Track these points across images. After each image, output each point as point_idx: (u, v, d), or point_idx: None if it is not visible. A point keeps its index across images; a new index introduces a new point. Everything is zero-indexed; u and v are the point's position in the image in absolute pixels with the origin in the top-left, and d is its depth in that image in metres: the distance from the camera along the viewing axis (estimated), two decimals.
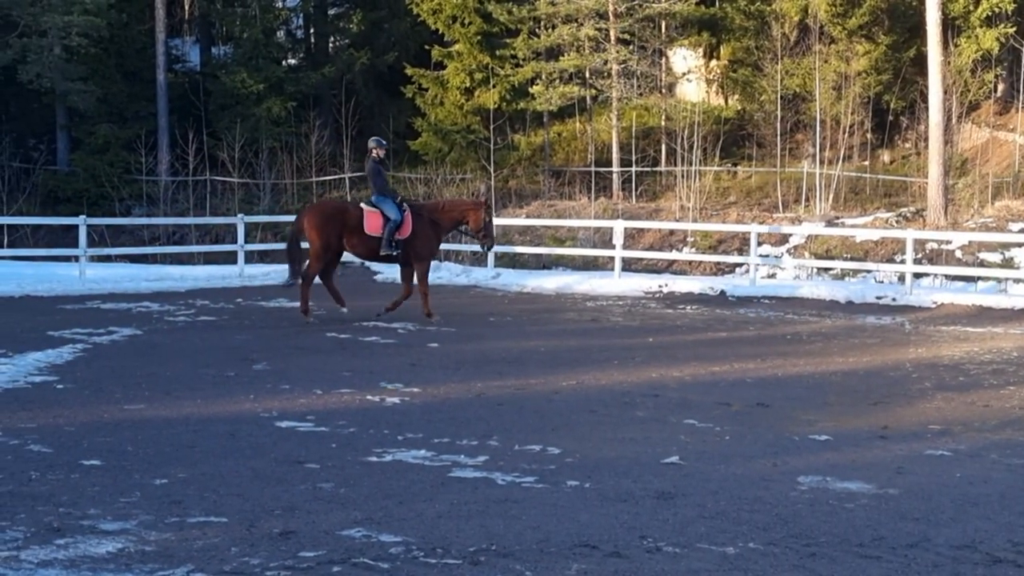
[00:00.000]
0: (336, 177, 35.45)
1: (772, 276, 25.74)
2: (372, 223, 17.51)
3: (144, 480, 7.75)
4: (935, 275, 23.91)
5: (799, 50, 36.29)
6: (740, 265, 26.25)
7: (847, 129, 34.29)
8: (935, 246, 25.90)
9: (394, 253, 17.76)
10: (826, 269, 25.72)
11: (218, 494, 7.42)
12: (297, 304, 17.50)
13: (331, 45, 41.49)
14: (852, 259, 26.26)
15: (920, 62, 32.84)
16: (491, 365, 13.32)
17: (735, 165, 36.86)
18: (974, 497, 7.61)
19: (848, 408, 11.07)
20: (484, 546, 6.39)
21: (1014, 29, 35.62)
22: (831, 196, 32.02)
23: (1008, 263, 24.93)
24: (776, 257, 26.66)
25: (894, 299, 21.16)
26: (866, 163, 35.85)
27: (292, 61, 40.38)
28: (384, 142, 18.79)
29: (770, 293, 22.25)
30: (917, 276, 23.16)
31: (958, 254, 25.58)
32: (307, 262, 17.61)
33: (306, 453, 8.61)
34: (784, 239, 27.90)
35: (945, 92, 30.43)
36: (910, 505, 7.38)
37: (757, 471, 8.27)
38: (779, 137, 34.90)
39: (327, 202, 20.41)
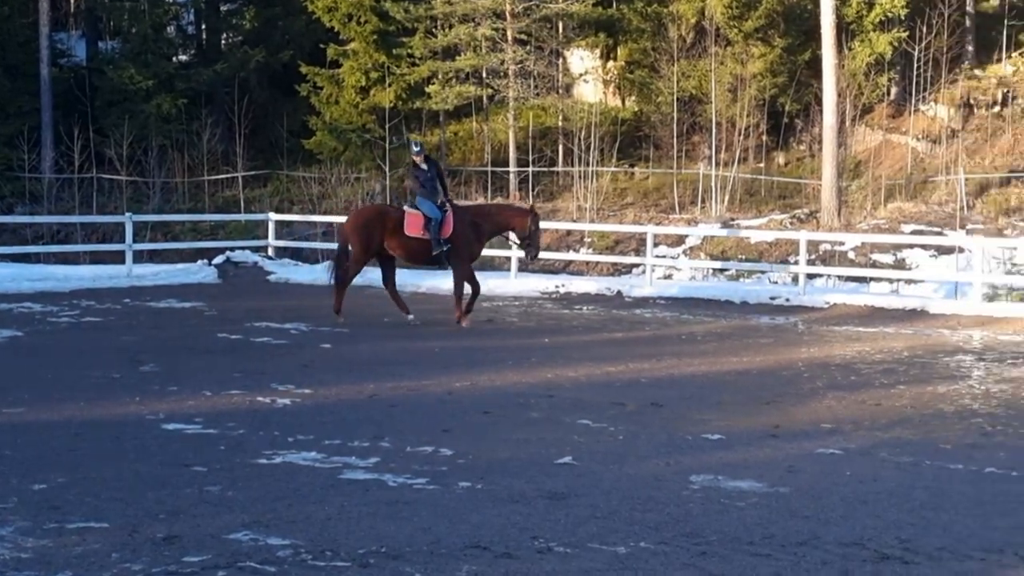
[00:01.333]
0: (229, 176, 35.00)
1: (668, 277, 26.01)
2: (412, 224, 17.31)
3: (22, 485, 7.56)
4: (828, 276, 24.36)
5: (695, 52, 36.72)
6: (637, 266, 26.46)
7: (743, 131, 34.77)
8: (829, 247, 26.39)
9: (445, 249, 17.42)
10: (722, 270, 26.03)
11: (99, 499, 7.26)
12: (188, 305, 17.22)
13: (224, 42, 40.93)
14: (747, 260, 26.66)
15: (815, 65, 33.43)
16: (385, 366, 13.24)
17: (632, 166, 37.15)
18: (863, 495, 7.74)
19: (741, 408, 11.20)
20: (374, 548, 6.35)
21: (906, 34, 36.44)
22: (727, 198, 32.45)
23: (900, 264, 25.52)
24: (672, 258, 26.95)
25: (788, 300, 21.48)
26: (761, 165, 36.38)
27: (183, 57, 39.76)
28: (419, 146, 18.43)
29: (666, 294, 22.46)
30: (811, 277, 23.54)
31: (851, 255, 26.09)
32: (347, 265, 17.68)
33: (193, 456, 8.46)
34: (680, 240, 28.20)
35: (839, 95, 31.01)
36: (800, 503, 7.48)
37: (650, 471, 8.33)
38: (676, 139, 35.27)
39: (367, 206, 20.03)
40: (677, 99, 35.68)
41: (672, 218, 30.93)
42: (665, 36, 36.52)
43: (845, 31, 35.18)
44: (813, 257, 25.09)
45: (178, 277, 24.00)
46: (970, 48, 41.34)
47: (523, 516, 7.04)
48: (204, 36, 41.01)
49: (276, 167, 36.49)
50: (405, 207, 17.95)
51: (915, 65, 36.99)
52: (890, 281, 23.72)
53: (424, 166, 17.78)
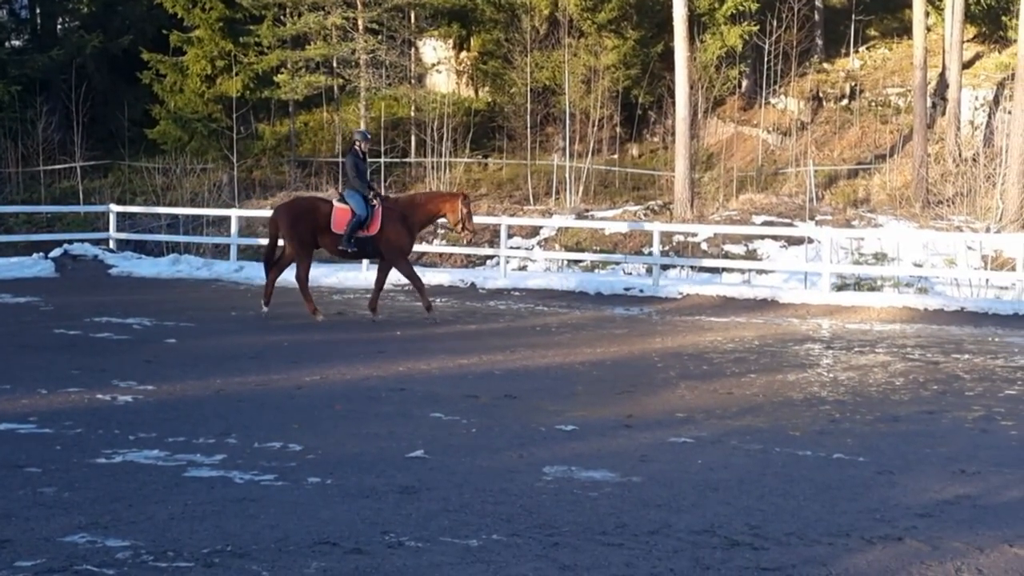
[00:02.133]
0: (66, 166, 34.04)
1: (523, 268, 26.15)
2: (340, 221, 17.10)
3: None
4: (682, 267, 24.77)
5: (549, 43, 36.97)
6: (491, 257, 26.52)
7: (596, 123, 35.11)
8: (682, 239, 26.82)
9: (349, 250, 17.38)
10: (576, 261, 26.28)
11: None
12: (23, 300, 16.66)
13: (60, 26, 39.80)
14: (601, 251, 26.93)
15: (667, 57, 33.93)
16: (232, 361, 13.02)
17: (486, 157, 37.26)
18: (714, 483, 7.86)
19: (595, 398, 11.30)
20: (219, 547, 6.22)
21: (757, 27, 37.24)
22: (581, 189, 32.75)
23: (751, 255, 26.05)
24: (527, 249, 27.09)
25: (641, 291, 21.78)
26: (615, 157, 36.80)
27: (16, 43, 38.51)
28: (369, 135, 18.28)
29: (520, 285, 22.58)
30: (664, 268, 23.91)
31: (704, 246, 26.56)
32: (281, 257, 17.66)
33: (26, 456, 8.18)
34: (535, 231, 28.36)
35: (691, 87, 31.52)
36: (652, 492, 7.57)
37: (503, 463, 8.34)
38: (529, 130, 35.48)
39: (298, 200, 19.59)
40: (531, 90, 35.90)
41: (526, 209, 31.09)
42: (518, 27, 36.69)
43: (697, 24, 35.82)
44: (667, 248, 25.49)
45: (12, 271, 23.29)
46: (819, 42, 42.47)
47: (373, 511, 6.98)
48: (39, 20, 39.74)
49: (117, 157, 35.64)
50: (335, 201, 17.65)
51: (765, 58, 37.82)
52: (742, 272, 24.22)
53: (363, 155, 17.76)
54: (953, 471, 8.21)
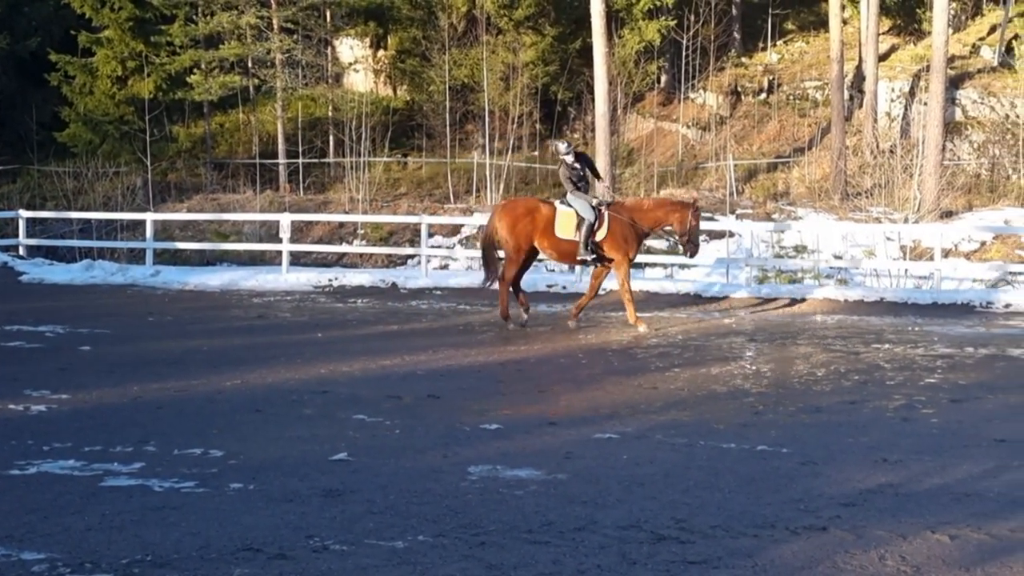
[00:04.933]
0: None
1: (445, 267, 26.13)
2: (564, 225, 16.67)
3: None
4: None
5: (467, 41, 37.01)
6: (412, 257, 26.47)
7: (516, 120, 35.20)
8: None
9: (589, 259, 16.97)
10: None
11: None
12: None
13: None
14: None
15: (586, 53, 34.13)
16: (149, 367, 12.85)
17: (405, 156, 37.21)
18: (640, 477, 7.91)
19: (519, 396, 11.32)
20: (139, 557, 6.14)
21: (675, 22, 37.55)
22: (502, 187, 32.80)
23: (674, 250, 26.20)
24: (449, 248, 27.06)
25: (564, 287, 21.85)
26: (536, 154, 36.91)
27: None
28: (565, 148, 17.40)
29: (443, 284, 22.55)
30: (585, 264, 23.94)
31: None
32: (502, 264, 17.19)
33: None
34: (456, 230, 28.34)
35: (611, 83, 31.70)
36: (578, 489, 7.60)
37: (427, 463, 8.32)
38: (449, 128, 35.48)
39: (516, 201, 18.93)
40: (449, 88, 35.91)
41: (447, 208, 31.08)
42: (436, 25, 36.70)
43: (615, 19, 36.04)
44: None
45: None
46: (737, 37, 42.93)
47: (297, 515, 6.94)
48: None
49: (26, 162, 35.08)
50: (557, 204, 17.19)
51: (684, 53, 38.15)
52: (664, 266, 24.39)
53: (575, 163, 17.11)
54: (875, 460, 8.33)
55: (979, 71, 38.10)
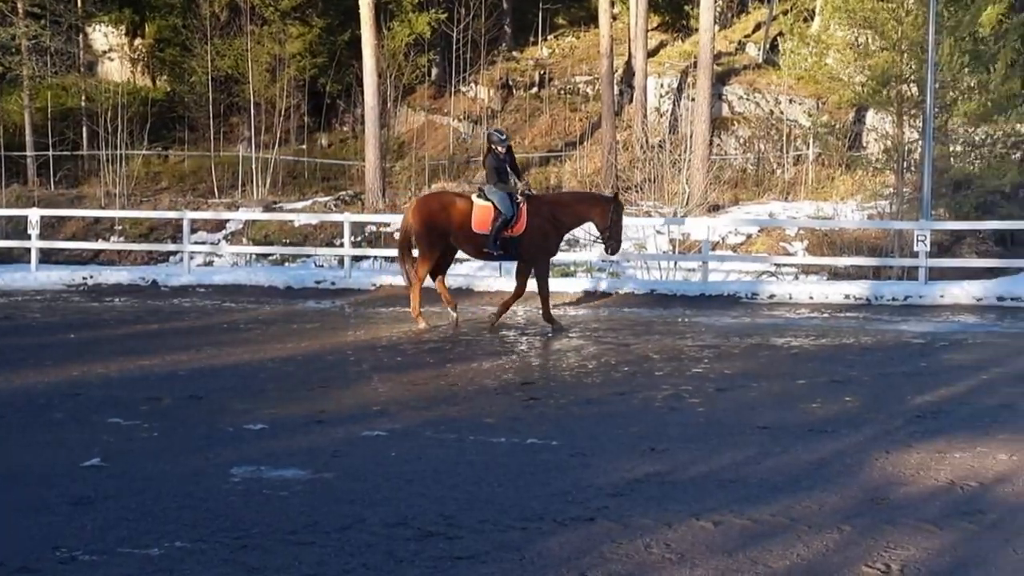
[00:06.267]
0: None
1: (209, 264, 25.62)
2: (481, 220, 15.93)
3: None
4: (375, 258, 24.79)
5: (230, 30, 36.34)
6: (174, 253, 25.86)
7: (283, 112, 34.79)
8: (374, 229, 26.86)
9: (495, 253, 16.26)
10: (265, 255, 25.92)
11: None
12: None
13: None
14: (291, 244, 26.69)
15: (355, 45, 33.94)
16: None
17: (166, 149, 36.33)
18: (408, 474, 7.88)
19: (285, 395, 11.14)
20: None
21: (445, 15, 37.70)
22: (269, 181, 32.36)
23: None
24: (213, 244, 26.54)
25: (333, 283, 21.73)
26: (304, 147, 36.56)
27: None
28: (505, 135, 16.92)
29: (206, 281, 22.11)
30: (357, 259, 23.86)
31: (397, 236, 26.65)
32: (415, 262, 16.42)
33: None
34: (221, 225, 27.80)
35: (380, 76, 31.63)
36: (345, 488, 7.52)
37: (187, 466, 8.10)
38: (212, 120, 34.78)
39: (432, 195, 18.14)
40: (212, 79, 35.18)
41: (211, 203, 30.47)
42: (197, 13, 35.91)
43: (384, 11, 35.96)
44: (359, 239, 25.47)
45: None
46: (508, 30, 43.39)
47: (45, 525, 6.65)
48: None
49: None
50: (474, 198, 16.56)
51: (455, 47, 38.33)
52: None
53: (506, 155, 16.61)
54: (643, 450, 8.51)
55: (745, 68, 39.51)
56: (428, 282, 16.79)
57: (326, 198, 31.03)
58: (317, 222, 27.26)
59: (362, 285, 21.53)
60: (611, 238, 16.44)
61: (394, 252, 24.71)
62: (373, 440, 9.03)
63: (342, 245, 23.87)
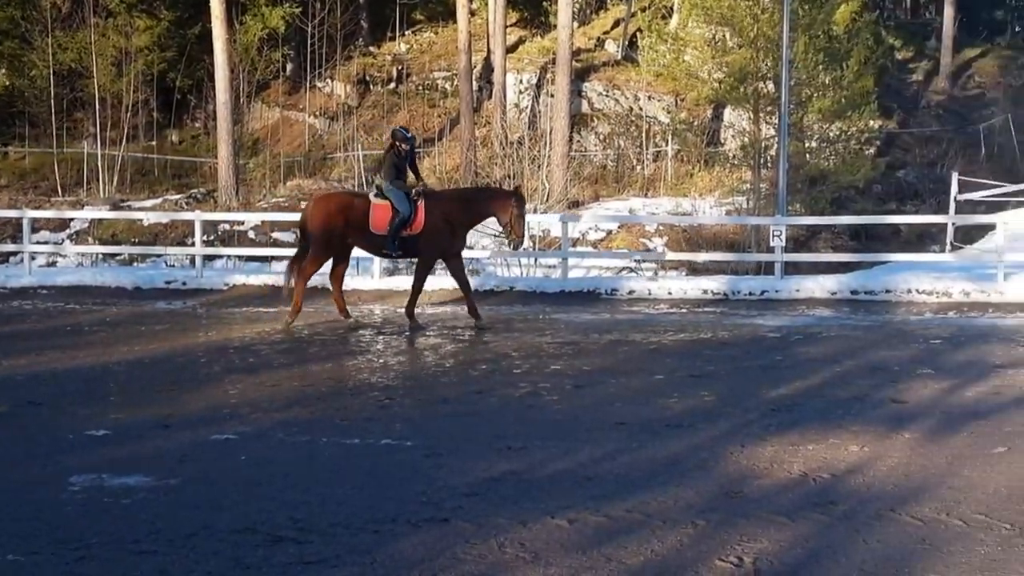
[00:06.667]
0: None
1: (52, 264, 24.98)
2: (379, 219, 15.51)
3: None
4: (228, 257, 24.43)
5: (73, 23, 35.47)
6: (14, 254, 25.16)
7: (131, 108, 34.13)
8: (228, 227, 26.45)
9: (394, 254, 15.96)
10: (113, 255, 25.36)
11: None
12: None
13: None
14: (141, 243, 26.16)
15: (206, 39, 33.45)
16: None
17: (6, 145, 35.36)
18: (259, 478, 7.73)
19: (131, 399, 10.86)
20: None
21: (300, 9, 37.33)
22: (116, 178, 31.69)
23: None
24: (56, 244, 25.89)
25: (184, 283, 21.33)
26: (154, 143, 35.89)
27: None
28: (410, 133, 16.51)
29: (49, 282, 21.53)
30: (209, 259, 23.47)
31: (251, 234, 26.32)
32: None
33: None
34: (65, 224, 27.13)
35: (232, 71, 31.22)
36: (192, 493, 7.34)
37: (23, 476, 7.83)
38: (55, 116, 33.93)
39: (330, 195, 17.51)
40: (54, 73, 34.30)
41: (54, 201, 29.74)
42: (36, 4, 34.96)
43: (236, 5, 35.49)
44: (212, 238, 25.06)
45: None
46: (364, 25, 43.15)
47: None
48: None
49: None
50: (371, 196, 16.14)
51: (310, 41, 37.99)
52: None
53: (407, 154, 16.29)
54: (499, 448, 8.48)
55: (604, 65, 39.88)
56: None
57: (177, 196, 30.51)
58: (168, 221, 26.75)
59: (215, 285, 21.16)
60: (514, 233, 16.22)
61: (248, 251, 24.50)
62: (222, 444, 8.85)
63: (194, 244, 23.45)
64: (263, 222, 26.50)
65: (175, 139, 37.88)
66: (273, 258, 24.26)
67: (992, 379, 11.36)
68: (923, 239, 29.37)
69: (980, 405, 10.01)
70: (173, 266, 24.59)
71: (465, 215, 16.40)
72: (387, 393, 10.99)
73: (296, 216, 25.52)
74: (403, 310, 16.51)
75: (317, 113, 38.89)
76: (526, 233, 17.06)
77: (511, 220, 16.05)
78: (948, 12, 45.32)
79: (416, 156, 17.19)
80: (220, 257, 24.68)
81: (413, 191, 16.27)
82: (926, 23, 53.71)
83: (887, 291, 19.84)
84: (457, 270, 16.58)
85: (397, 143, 16.48)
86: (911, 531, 6.40)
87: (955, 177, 29.63)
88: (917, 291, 19.71)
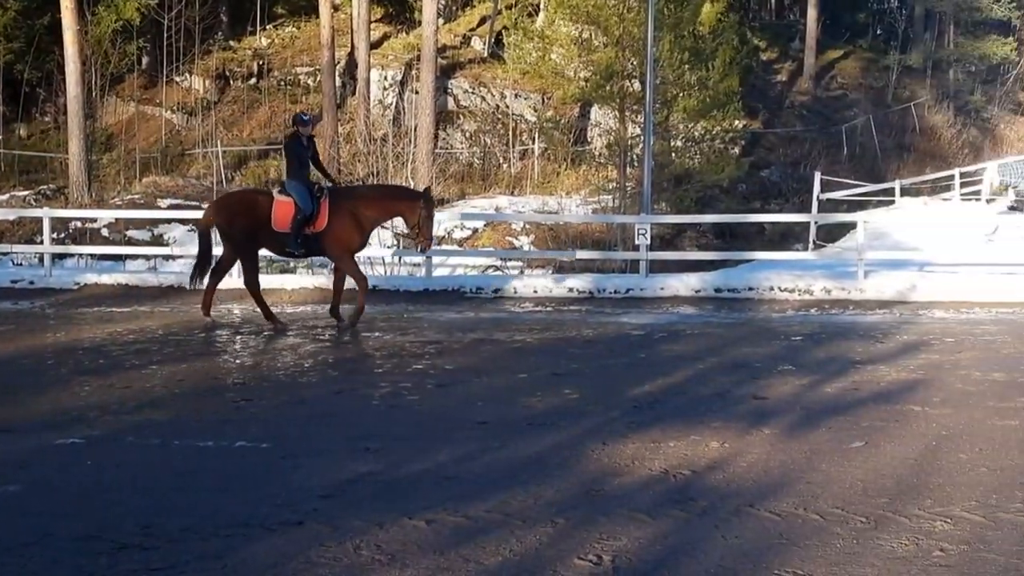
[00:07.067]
0: None
1: None
2: (281, 217, 14.90)
3: None
4: (80, 255, 23.89)
5: None
6: None
7: None
8: (80, 225, 25.84)
9: (297, 252, 15.39)
10: None
11: None
12: None
13: None
14: None
15: (56, 30, 32.62)
16: None
17: None
18: (105, 484, 7.50)
19: None
20: None
21: (156, 1, 36.68)
22: None
23: (158, 240, 25.57)
24: None
25: (32, 283, 20.75)
26: (0, 138, 34.93)
27: None
28: (308, 118, 15.82)
29: None
30: (59, 257, 22.89)
31: (105, 232, 25.75)
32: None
33: None
34: None
35: (84, 63, 30.52)
36: (32, 501, 7.10)
37: None
38: None
39: (233, 193, 17.14)
40: None
41: None
42: None
43: None
44: (62, 236, 24.46)
45: None
46: (224, 19, 42.55)
47: None
48: None
49: None
50: (275, 193, 15.53)
51: (166, 34, 37.34)
52: (147, 258, 23.72)
53: (308, 143, 15.70)
54: (358, 449, 8.36)
55: (471, 62, 39.88)
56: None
57: (25, 192, 29.70)
58: (15, 218, 26.01)
59: (64, 284, 20.62)
60: (422, 235, 15.87)
61: (101, 249, 23.94)
62: (68, 448, 8.58)
63: (42, 242, 22.81)
64: (117, 220, 25.93)
65: (23, 133, 36.87)
66: (127, 256, 23.74)
67: (851, 375, 11.57)
68: (787, 238, 29.94)
69: (839, 401, 10.18)
70: (20, 265, 23.93)
71: (371, 214, 15.90)
72: (243, 394, 10.79)
73: (151, 214, 25.11)
74: (326, 310, 16.49)
75: (175, 108, 38.21)
76: (434, 236, 16.77)
77: (419, 222, 15.72)
78: (812, 14, 46.33)
79: (317, 149, 16.70)
80: (71, 256, 24.08)
81: (316, 187, 15.89)
82: (790, 24, 54.80)
83: (750, 289, 20.15)
84: (341, 267, 16.29)
85: (298, 128, 16.09)
86: (769, 526, 6.45)
87: (818, 176, 30.26)
88: (779, 289, 20.04)
